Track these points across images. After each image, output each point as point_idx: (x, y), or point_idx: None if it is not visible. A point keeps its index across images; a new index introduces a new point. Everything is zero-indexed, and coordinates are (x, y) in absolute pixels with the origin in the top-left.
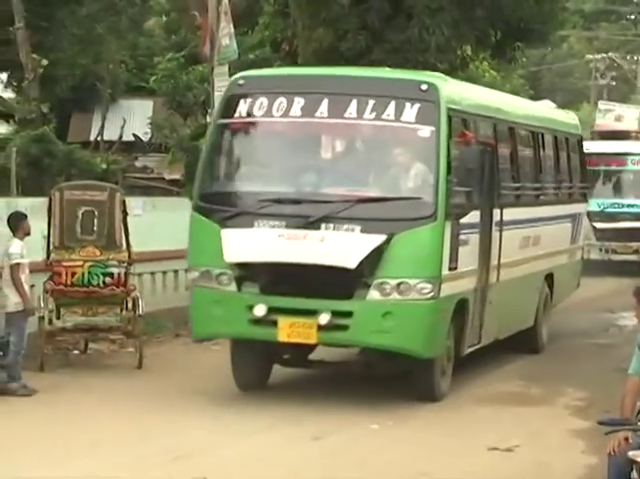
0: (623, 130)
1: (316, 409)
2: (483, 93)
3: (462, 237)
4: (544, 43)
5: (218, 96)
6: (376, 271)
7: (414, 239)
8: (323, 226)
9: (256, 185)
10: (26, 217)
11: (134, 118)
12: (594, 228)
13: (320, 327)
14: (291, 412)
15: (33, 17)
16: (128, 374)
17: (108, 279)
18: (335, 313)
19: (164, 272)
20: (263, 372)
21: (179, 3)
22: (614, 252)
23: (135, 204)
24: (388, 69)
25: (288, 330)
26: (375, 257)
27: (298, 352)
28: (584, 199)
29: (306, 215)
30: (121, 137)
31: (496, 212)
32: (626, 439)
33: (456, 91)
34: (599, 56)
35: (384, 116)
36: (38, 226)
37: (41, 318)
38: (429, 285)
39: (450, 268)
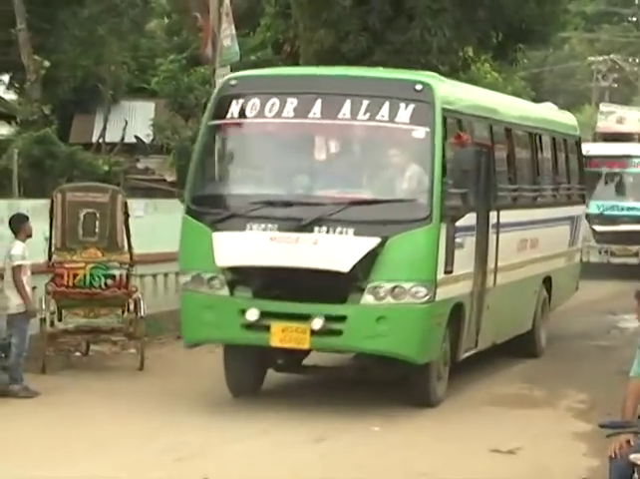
0: (626, 132)
1: (316, 412)
2: (479, 93)
3: (457, 239)
4: (546, 45)
5: None
6: (370, 275)
7: (408, 241)
8: (316, 228)
9: (248, 187)
10: (28, 218)
11: (135, 119)
12: (594, 230)
13: (313, 332)
14: (292, 414)
15: (35, 19)
16: (129, 376)
17: (109, 281)
18: (328, 318)
19: (166, 274)
20: (257, 378)
21: (181, 4)
22: (613, 255)
23: (136, 205)
24: (382, 69)
25: (281, 335)
26: (369, 261)
27: (292, 357)
28: (583, 201)
29: (299, 217)
30: (122, 138)
31: (493, 214)
32: (628, 442)
33: (451, 91)
34: (601, 58)
35: (378, 116)
36: (40, 227)
37: (43, 320)
38: (424, 289)
39: (445, 272)
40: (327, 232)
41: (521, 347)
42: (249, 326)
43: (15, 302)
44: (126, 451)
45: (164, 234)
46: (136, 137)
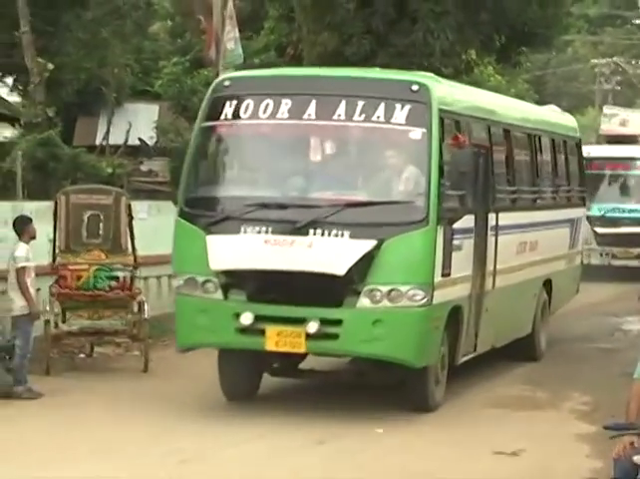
0: (630, 134)
1: (313, 417)
2: (477, 94)
3: (455, 242)
4: (549, 47)
5: None
6: (366, 278)
7: (405, 244)
8: (311, 231)
9: (242, 189)
10: (31, 220)
11: (139, 122)
12: (595, 232)
13: (309, 336)
14: (293, 417)
15: (38, 21)
16: (133, 378)
17: (113, 283)
18: (324, 322)
19: (170, 276)
20: (252, 382)
21: (184, 7)
22: (615, 258)
23: (140, 207)
24: (378, 69)
25: (276, 339)
26: (365, 264)
27: (288, 361)
28: (583, 203)
29: (293, 220)
30: (126, 141)
31: (492, 216)
32: (632, 444)
33: (448, 92)
34: (604, 60)
35: (374, 117)
36: (44, 229)
37: (47, 322)
38: (421, 292)
39: (442, 275)
40: (322, 234)
41: (521, 351)
42: (244, 330)
43: (19, 304)
44: (127, 454)
45: (168, 236)
46: (139, 139)
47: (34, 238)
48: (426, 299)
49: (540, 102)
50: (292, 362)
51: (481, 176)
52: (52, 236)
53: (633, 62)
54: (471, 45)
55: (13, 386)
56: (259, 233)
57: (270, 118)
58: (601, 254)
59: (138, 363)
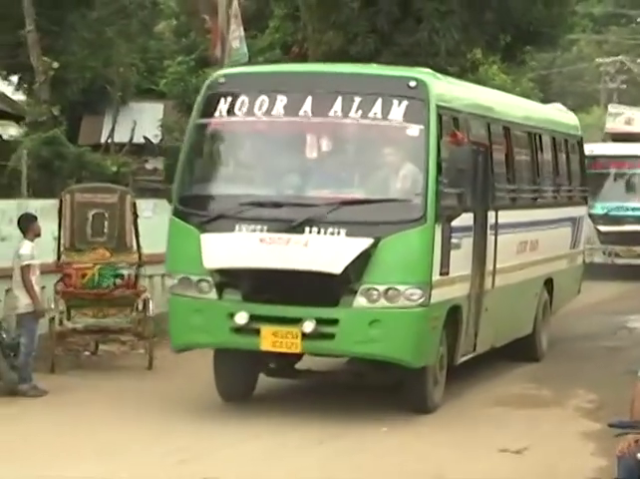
0: (635, 132)
1: (315, 416)
2: (476, 91)
3: (453, 240)
4: (554, 46)
5: None
6: (363, 277)
7: (402, 242)
8: (307, 229)
9: (237, 187)
10: (36, 218)
11: (144, 120)
12: (598, 231)
13: (304, 336)
14: (290, 418)
15: (44, 20)
16: (138, 376)
17: (118, 281)
18: (320, 321)
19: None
20: (248, 382)
21: (189, 6)
22: (618, 256)
23: (145, 206)
24: (375, 65)
25: (271, 339)
26: (361, 262)
27: (284, 362)
28: (585, 202)
29: (289, 218)
30: (131, 139)
31: (491, 214)
32: (636, 441)
33: (446, 88)
34: (609, 59)
35: (370, 114)
36: (49, 227)
37: (51, 320)
38: (418, 291)
39: (441, 274)
40: (318, 232)
41: (522, 351)
42: (238, 330)
43: (24, 302)
44: (129, 454)
45: None
46: (144, 138)
47: (39, 235)
48: (423, 299)
49: (545, 101)
50: (289, 363)
51: (481, 173)
52: (57, 234)
53: (638, 61)
54: (476, 44)
55: (18, 384)
56: (254, 231)
57: (265, 115)
58: (604, 253)
59: (142, 361)
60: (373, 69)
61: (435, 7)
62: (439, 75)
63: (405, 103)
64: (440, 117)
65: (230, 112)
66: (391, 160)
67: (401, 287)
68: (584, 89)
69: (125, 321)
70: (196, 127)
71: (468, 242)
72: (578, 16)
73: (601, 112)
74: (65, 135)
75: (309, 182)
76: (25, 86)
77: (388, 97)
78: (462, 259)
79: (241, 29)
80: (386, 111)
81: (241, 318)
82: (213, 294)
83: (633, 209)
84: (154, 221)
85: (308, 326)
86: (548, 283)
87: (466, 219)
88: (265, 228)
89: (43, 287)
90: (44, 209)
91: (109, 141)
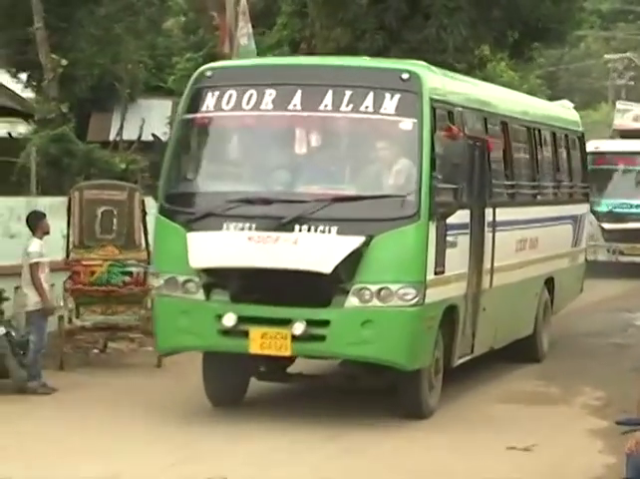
0: None
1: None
2: (473, 84)
3: (449, 238)
4: (562, 43)
5: None
6: (354, 276)
7: (395, 240)
8: (296, 227)
9: (225, 184)
10: (45, 216)
11: (152, 118)
12: (602, 228)
13: (294, 338)
14: (301, 417)
15: (52, 17)
16: (147, 373)
17: (127, 279)
18: (310, 323)
19: None
20: (238, 387)
21: (198, 3)
22: (622, 254)
23: (153, 203)
24: (367, 58)
25: (260, 341)
26: (353, 261)
27: (275, 365)
28: (586, 199)
29: (278, 215)
30: (140, 136)
31: (489, 211)
32: None
33: (441, 81)
34: (617, 56)
35: (362, 108)
36: (58, 225)
37: (60, 317)
38: (412, 291)
39: (436, 272)
40: (308, 230)
41: (522, 352)
42: (226, 332)
43: (33, 300)
44: (141, 450)
45: None
46: (153, 135)
47: (47, 233)
48: (417, 299)
49: (553, 97)
50: (280, 366)
51: (477, 169)
52: (66, 231)
53: None
54: (484, 41)
55: (27, 382)
56: (242, 229)
57: (254, 109)
58: (608, 251)
59: (151, 359)
60: (365, 61)
61: (443, 4)
62: (433, 68)
63: (397, 96)
64: (434, 110)
65: (218, 106)
66: (383, 155)
67: (394, 287)
68: (592, 85)
69: (133, 319)
70: (183, 122)
71: (464, 240)
72: (586, 12)
73: (609, 108)
74: (74, 132)
75: (299, 178)
76: (34, 83)
77: (380, 90)
78: (458, 258)
79: (249, 26)
80: (378, 104)
81: (229, 320)
82: (201, 295)
83: (637, 206)
84: None
85: (298, 328)
86: (549, 283)
87: (462, 215)
88: (254, 225)
89: (52, 285)
90: (53, 206)
91: (117, 138)
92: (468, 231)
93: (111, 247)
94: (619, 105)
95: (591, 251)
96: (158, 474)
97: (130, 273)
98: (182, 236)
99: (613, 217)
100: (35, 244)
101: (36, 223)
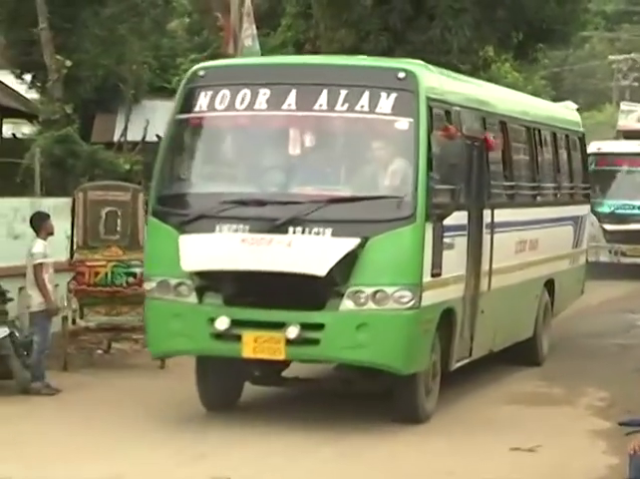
0: None
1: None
2: (471, 84)
3: (446, 239)
4: (566, 44)
5: None
6: (349, 279)
7: (391, 242)
8: (290, 229)
9: (218, 185)
10: (49, 216)
11: (157, 119)
12: (604, 229)
13: (288, 342)
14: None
15: (56, 18)
16: (150, 374)
17: (131, 279)
18: (305, 326)
19: None
20: (232, 391)
21: (202, 4)
22: (624, 255)
23: None
24: (363, 56)
25: (253, 345)
26: (348, 264)
27: (270, 369)
28: (587, 200)
29: (272, 217)
30: (144, 137)
31: (487, 212)
32: None
33: (438, 80)
34: (621, 57)
35: (357, 107)
36: (62, 226)
37: (64, 318)
38: (408, 294)
39: (432, 275)
40: (302, 232)
41: (522, 355)
42: (219, 336)
43: (37, 300)
44: (145, 450)
45: None
46: (157, 136)
47: (51, 234)
48: (413, 301)
49: (557, 98)
50: (275, 370)
51: (475, 170)
52: (70, 232)
53: None
54: (488, 42)
55: (31, 382)
56: (236, 231)
57: (247, 109)
58: (610, 252)
59: (155, 359)
60: (360, 60)
61: (448, 5)
62: (430, 66)
63: (393, 95)
64: (430, 109)
65: (211, 106)
66: (379, 155)
67: (389, 289)
68: (596, 86)
69: (137, 319)
70: (175, 122)
71: (461, 242)
72: (591, 14)
73: (613, 109)
74: (78, 133)
75: (293, 179)
76: (38, 84)
77: (376, 89)
78: (455, 260)
79: (254, 27)
80: (374, 103)
81: (222, 324)
82: (193, 298)
83: (639, 207)
84: None
85: (292, 331)
86: (549, 284)
87: (459, 217)
88: (247, 227)
89: (56, 285)
90: (57, 207)
91: (122, 139)
92: (465, 232)
93: (115, 248)
94: (623, 106)
95: (593, 253)
96: (161, 475)
97: (134, 274)
98: (175, 238)
99: (615, 218)
100: (39, 245)
101: (40, 223)
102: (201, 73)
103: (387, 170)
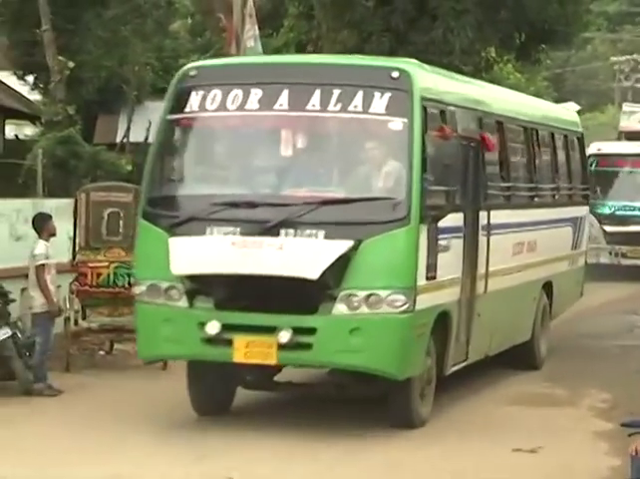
0: None
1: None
2: (467, 83)
3: (441, 242)
4: (568, 45)
5: None
6: (342, 282)
7: (385, 244)
8: (282, 231)
9: (209, 187)
10: (51, 217)
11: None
12: (604, 231)
13: (280, 346)
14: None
15: (59, 19)
16: (152, 376)
17: (133, 280)
18: (297, 330)
19: None
20: (224, 396)
21: (204, 5)
22: (624, 257)
23: None
24: (357, 55)
25: (245, 350)
26: (341, 266)
27: (262, 374)
28: (586, 201)
29: (263, 219)
30: (146, 138)
31: (483, 214)
32: None
33: (432, 79)
34: (623, 58)
35: (350, 107)
36: (64, 227)
37: (67, 319)
38: (402, 297)
39: (427, 278)
40: (294, 235)
41: (520, 358)
42: (210, 341)
43: (39, 302)
44: (147, 451)
45: None
46: None
47: (54, 235)
48: (407, 305)
49: (559, 99)
50: (267, 375)
51: (471, 171)
52: (72, 233)
53: None
54: (490, 43)
55: (33, 383)
56: (226, 234)
57: (239, 109)
58: (610, 253)
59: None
60: (354, 59)
61: (450, 6)
62: (425, 65)
63: (387, 95)
64: (425, 109)
65: (202, 106)
66: (372, 156)
67: (383, 293)
68: (598, 88)
69: None
70: (166, 123)
71: (457, 244)
72: (593, 14)
73: (615, 110)
74: (80, 134)
75: (285, 180)
76: (41, 85)
77: (369, 88)
78: (450, 262)
79: (256, 28)
80: (367, 103)
81: (213, 328)
82: (184, 302)
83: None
84: None
85: (284, 336)
86: (548, 287)
87: (454, 219)
88: (238, 230)
89: (59, 287)
90: (59, 208)
91: (124, 140)
92: (461, 234)
93: (117, 249)
94: (625, 107)
95: (593, 254)
96: (161, 476)
97: None
98: (165, 240)
99: (615, 219)
100: (41, 246)
101: (42, 224)
102: (192, 72)
103: (380, 171)
